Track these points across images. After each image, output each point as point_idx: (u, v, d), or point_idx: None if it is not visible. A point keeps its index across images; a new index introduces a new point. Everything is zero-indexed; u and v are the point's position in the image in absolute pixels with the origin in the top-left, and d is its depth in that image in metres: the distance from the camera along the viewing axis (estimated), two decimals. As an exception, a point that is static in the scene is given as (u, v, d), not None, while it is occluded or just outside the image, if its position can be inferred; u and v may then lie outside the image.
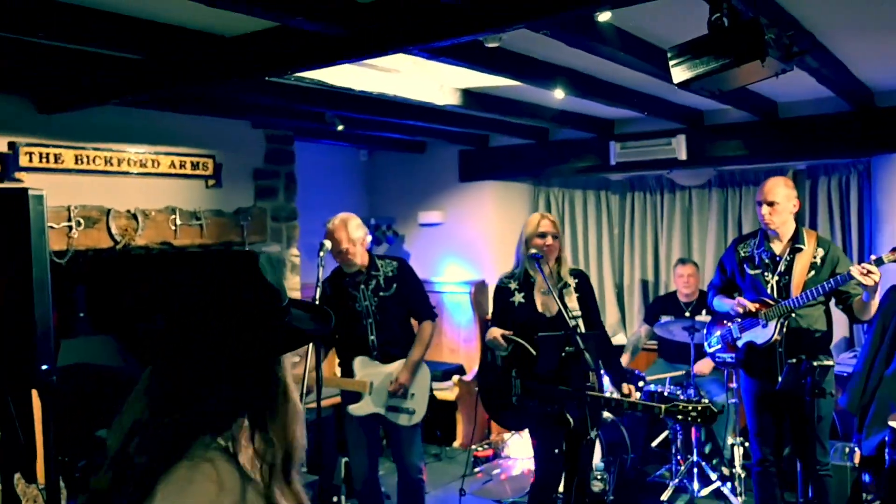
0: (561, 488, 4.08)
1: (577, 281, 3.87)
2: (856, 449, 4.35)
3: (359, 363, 4.10)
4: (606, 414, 5.16)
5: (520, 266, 3.89)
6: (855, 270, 3.50)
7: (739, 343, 3.96)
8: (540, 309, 3.83)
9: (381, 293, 4.06)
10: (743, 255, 4.02)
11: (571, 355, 3.44)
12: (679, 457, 5.14)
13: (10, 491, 3.81)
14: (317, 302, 3.66)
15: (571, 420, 3.57)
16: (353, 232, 4.00)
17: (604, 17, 2.55)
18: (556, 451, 3.79)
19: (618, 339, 6.73)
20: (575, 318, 3.65)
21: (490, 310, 4.13)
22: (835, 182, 5.69)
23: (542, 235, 3.78)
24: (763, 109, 5.01)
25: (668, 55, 2.40)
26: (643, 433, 5.49)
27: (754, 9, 2.47)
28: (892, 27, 3.33)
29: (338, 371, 4.32)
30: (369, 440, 4.17)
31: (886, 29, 3.36)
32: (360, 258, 4.06)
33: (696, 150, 5.53)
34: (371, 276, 4.07)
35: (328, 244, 3.94)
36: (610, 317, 6.81)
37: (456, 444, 6.46)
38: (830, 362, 3.65)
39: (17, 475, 3.87)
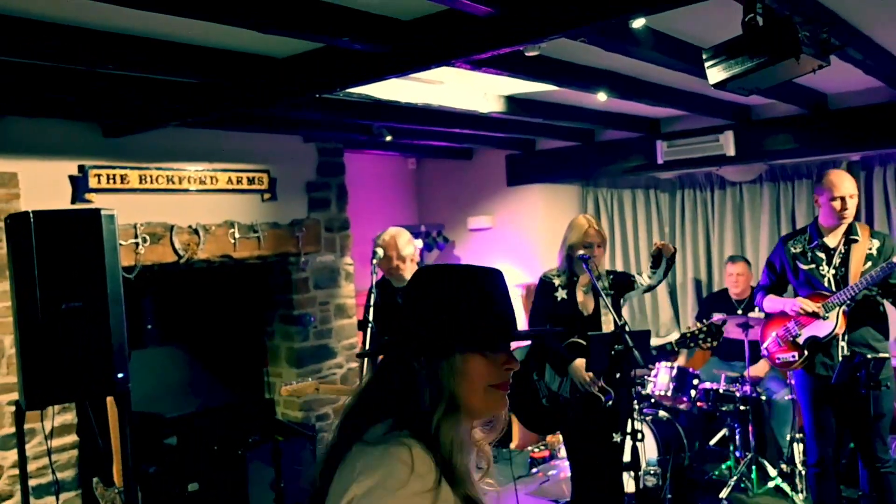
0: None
1: (611, 278, 4.08)
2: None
3: None
4: (662, 413, 5.18)
5: (564, 266, 4.07)
6: None
7: (800, 339, 3.92)
8: (580, 307, 4.02)
9: None
10: (794, 251, 4.00)
11: (621, 353, 3.52)
12: (737, 454, 5.11)
13: (89, 494, 4.04)
14: (370, 307, 3.78)
15: (603, 397, 3.79)
16: (404, 248, 4.05)
17: (638, 23, 2.61)
18: (588, 445, 3.92)
19: (671, 337, 6.70)
20: (617, 322, 3.74)
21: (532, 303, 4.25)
22: (890, 172, 5.58)
23: (588, 246, 3.95)
24: (812, 102, 4.96)
25: (704, 57, 2.45)
26: (700, 431, 5.47)
27: (789, 6, 2.50)
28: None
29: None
30: None
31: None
32: (409, 273, 4.10)
33: (745, 145, 5.49)
34: None
35: (381, 252, 4.04)
36: (663, 315, 6.80)
37: (512, 445, 6.53)
38: (886, 354, 3.63)
39: (95, 479, 4.11)
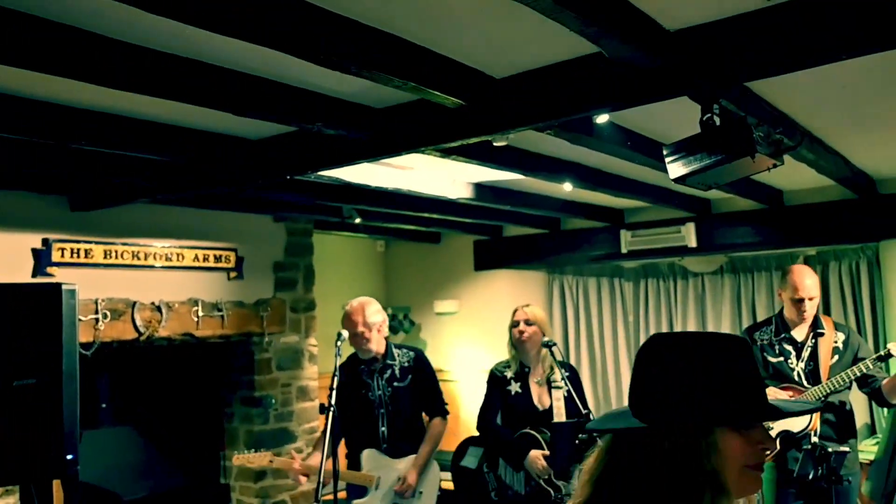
0: None
1: (567, 374, 3.97)
2: (883, 537, 4.25)
3: (367, 456, 3.98)
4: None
5: (512, 354, 4.07)
6: None
7: (773, 433, 3.91)
8: (535, 400, 3.97)
9: (396, 383, 4.01)
10: (761, 343, 4.03)
11: (585, 442, 3.48)
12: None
13: (27, 584, 3.82)
14: (333, 390, 3.70)
15: (552, 491, 3.73)
16: (370, 316, 3.98)
17: (601, 119, 2.71)
18: None
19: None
20: (581, 411, 3.70)
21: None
22: (845, 267, 5.74)
23: (515, 324, 4.01)
24: (769, 198, 5.14)
25: (664, 152, 2.55)
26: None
27: (744, 108, 2.63)
28: (884, 123, 3.48)
29: (345, 462, 4.18)
30: None
31: (878, 124, 3.52)
32: (376, 345, 4.01)
33: (706, 237, 5.64)
34: (387, 366, 4.04)
35: (346, 333, 3.97)
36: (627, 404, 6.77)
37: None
38: (846, 448, 3.64)
39: (34, 568, 3.88)
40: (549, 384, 3.95)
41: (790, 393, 3.84)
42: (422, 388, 4.09)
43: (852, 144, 3.94)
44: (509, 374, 4.04)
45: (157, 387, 5.36)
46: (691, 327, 6.45)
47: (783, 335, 3.96)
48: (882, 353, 3.67)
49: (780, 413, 1.32)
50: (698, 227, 5.63)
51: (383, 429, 3.99)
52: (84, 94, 2.70)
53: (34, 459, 2.78)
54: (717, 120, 2.46)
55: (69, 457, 2.81)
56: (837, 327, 3.94)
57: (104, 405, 4.48)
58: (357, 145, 3.03)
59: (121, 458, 5.23)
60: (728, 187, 4.32)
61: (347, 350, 4.07)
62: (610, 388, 6.85)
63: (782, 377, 3.92)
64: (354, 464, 4.05)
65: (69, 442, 2.81)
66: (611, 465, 1.28)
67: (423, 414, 4.20)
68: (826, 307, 5.80)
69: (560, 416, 3.88)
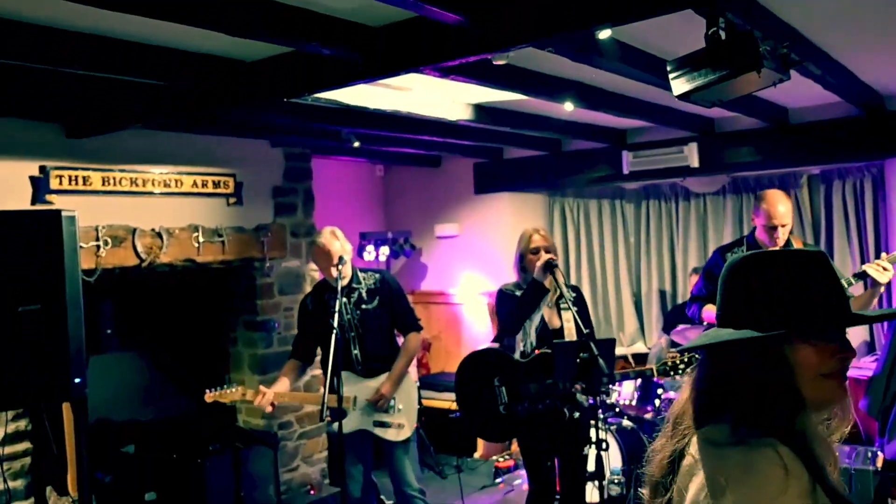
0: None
1: (574, 295, 3.95)
2: (878, 453, 4.35)
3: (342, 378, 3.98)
4: (626, 422, 5.22)
5: (521, 280, 3.99)
6: (871, 269, 3.56)
7: None
8: (546, 321, 3.95)
9: (364, 306, 4.03)
10: None
11: (586, 361, 3.52)
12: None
13: (42, 503, 3.95)
14: (335, 312, 3.72)
15: (567, 412, 3.73)
16: (346, 242, 4.03)
17: (604, 34, 2.63)
18: (549, 462, 3.87)
19: (636, 347, 6.78)
20: (582, 331, 3.70)
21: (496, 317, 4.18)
22: (849, 186, 5.71)
23: (535, 251, 3.89)
24: (773, 116, 5.07)
25: (668, 68, 2.49)
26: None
27: (750, 21, 2.55)
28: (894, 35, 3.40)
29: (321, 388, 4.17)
30: (360, 458, 4.09)
31: (889, 37, 3.42)
32: (349, 270, 4.02)
33: (709, 157, 5.59)
34: (353, 289, 4.04)
35: (347, 257, 4.00)
36: (628, 326, 6.86)
37: (477, 454, 6.53)
38: None
39: (48, 488, 4.01)
40: (558, 306, 3.95)
41: None
42: (391, 308, 4.11)
43: (861, 59, 3.85)
44: (519, 293, 3.96)
45: (160, 312, 5.41)
46: (692, 248, 6.48)
47: None
48: (857, 272, 3.70)
49: (844, 320, 1.30)
50: (701, 147, 5.58)
51: (356, 351, 4.03)
52: (75, 16, 2.62)
53: (43, 383, 2.83)
54: (723, 34, 2.39)
55: (77, 380, 2.85)
56: (807, 247, 3.97)
57: (109, 331, 4.51)
58: (354, 66, 2.96)
59: (127, 383, 5.33)
60: (732, 105, 4.26)
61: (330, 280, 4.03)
62: (611, 310, 6.92)
63: None
64: (331, 388, 4.09)
65: (76, 365, 2.85)
66: (702, 378, 1.35)
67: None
68: (829, 226, 5.81)
69: (571, 335, 3.89)
